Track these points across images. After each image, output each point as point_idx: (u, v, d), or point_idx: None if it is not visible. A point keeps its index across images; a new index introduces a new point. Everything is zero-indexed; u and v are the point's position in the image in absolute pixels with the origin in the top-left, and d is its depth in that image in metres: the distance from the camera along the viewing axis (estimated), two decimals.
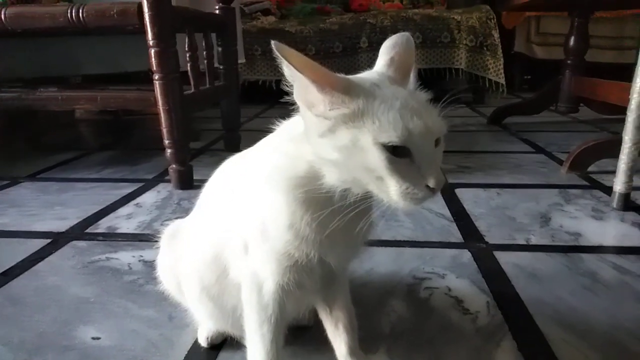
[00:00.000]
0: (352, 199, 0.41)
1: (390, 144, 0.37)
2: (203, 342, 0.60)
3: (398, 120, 0.37)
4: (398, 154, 0.37)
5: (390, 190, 0.38)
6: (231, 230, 0.48)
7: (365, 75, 0.43)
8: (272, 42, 0.36)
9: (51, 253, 0.87)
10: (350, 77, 0.41)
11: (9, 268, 0.82)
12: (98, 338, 0.62)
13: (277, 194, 0.43)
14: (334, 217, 0.41)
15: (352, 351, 0.52)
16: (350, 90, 0.38)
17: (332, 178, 0.41)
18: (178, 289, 0.59)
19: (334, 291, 0.52)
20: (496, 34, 2.45)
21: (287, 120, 0.47)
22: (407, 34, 0.46)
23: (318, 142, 0.40)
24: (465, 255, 0.84)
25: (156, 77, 1.14)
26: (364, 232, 0.43)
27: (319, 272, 0.47)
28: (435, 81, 2.66)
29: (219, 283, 0.51)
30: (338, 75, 0.39)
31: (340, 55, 2.60)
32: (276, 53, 0.36)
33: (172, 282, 0.59)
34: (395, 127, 0.37)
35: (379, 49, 0.46)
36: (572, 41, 1.83)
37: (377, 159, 0.37)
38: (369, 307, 0.68)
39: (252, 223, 0.46)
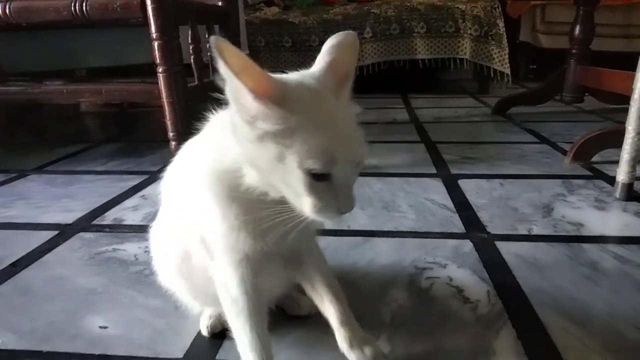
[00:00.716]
0: (269, 200, 0.42)
1: (314, 171, 0.38)
2: (204, 331, 0.61)
3: (325, 150, 0.37)
4: (319, 178, 0.38)
5: (304, 206, 0.40)
6: (183, 218, 0.50)
7: (302, 80, 0.41)
8: (212, 37, 0.35)
9: (59, 244, 0.89)
10: (288, 82, 0.40)
11: (18, 259, 0.83)
12: (105, 327, 0.64)
13: (205, 189, 0.44)
14: (260, 211, 0.42)
15: (342, 322, 0.53)
16: (286, 104, 0.37)
17: (251, 178, 0.42)
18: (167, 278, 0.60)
19: (310, 269, 0.53)
20: (501, 23, 2.42)
21: (222, 110, 0.46)
22: (353, 33, 0.44)
23: (244, 143, 0.40)
24: (467, 245, 0.85)
25: (160, 69, 1.14)
26: (302, 223, 0.43)
27: (276, 258, 0.48)
28: (439, 71, 2.66)
29: (185, 264, 0.54)
30: (276, 81, 0.38)
31: None
32: (214, 50, 0.35)
33: (164, 272, 0.60)
34: (322, 155, 0.37)
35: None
36: (577, 30, 1.81)
37: (298, 180, 0.38)
38: (370, 297, 0.69)
39: (203, 220, 0.47)
